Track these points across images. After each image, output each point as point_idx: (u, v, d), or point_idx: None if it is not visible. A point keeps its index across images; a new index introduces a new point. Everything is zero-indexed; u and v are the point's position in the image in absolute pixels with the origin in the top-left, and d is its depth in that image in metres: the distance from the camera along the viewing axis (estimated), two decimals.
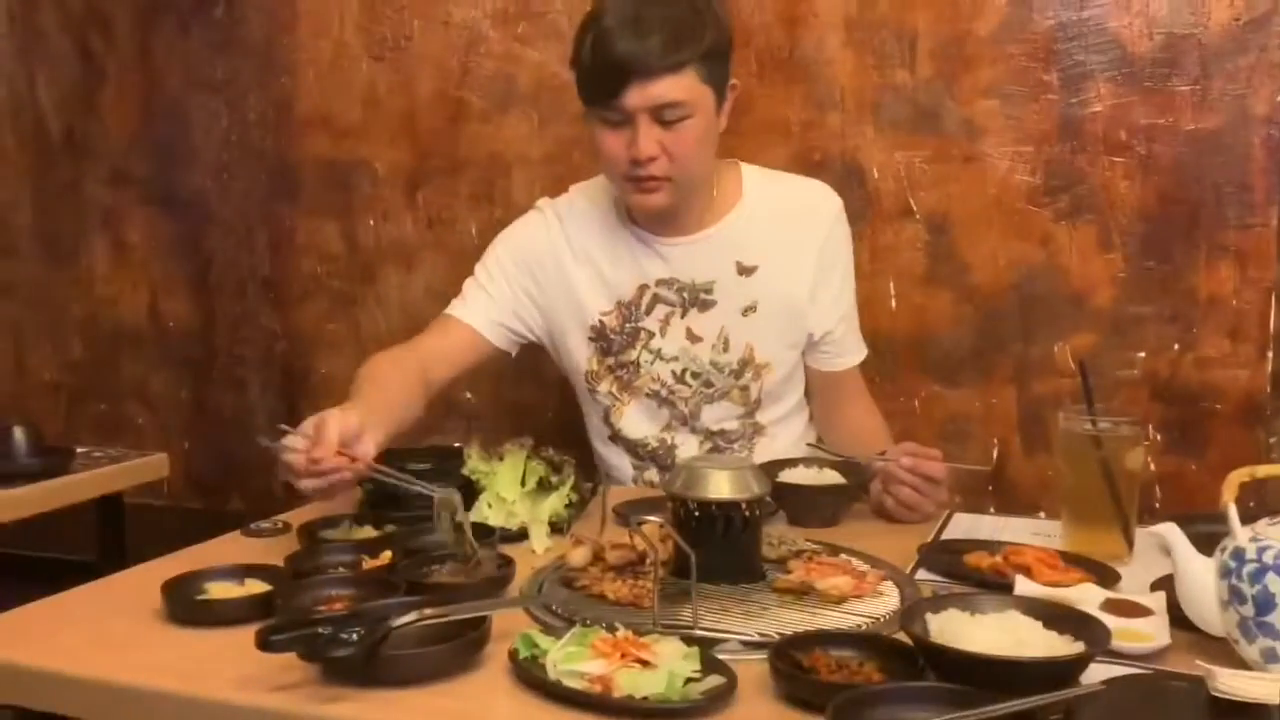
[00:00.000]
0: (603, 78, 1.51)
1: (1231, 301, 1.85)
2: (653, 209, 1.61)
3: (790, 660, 0.97)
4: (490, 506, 1.43)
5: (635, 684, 0.93)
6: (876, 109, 2.01)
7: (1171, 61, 1.84)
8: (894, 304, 2.03)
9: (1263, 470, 1.05)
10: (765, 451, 1.69)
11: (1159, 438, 1.91)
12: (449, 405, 2.40)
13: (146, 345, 2.71)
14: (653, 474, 1.73)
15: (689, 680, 0.95)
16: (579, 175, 2.20)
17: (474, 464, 1.47)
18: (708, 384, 1.68)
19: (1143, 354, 1.91)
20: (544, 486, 1.47)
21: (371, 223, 2.45)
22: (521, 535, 1.39)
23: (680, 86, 1.49)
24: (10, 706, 1.11)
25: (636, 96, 1.49)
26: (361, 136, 2.42)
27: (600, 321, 1.69)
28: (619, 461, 1.76)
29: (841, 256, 1.71)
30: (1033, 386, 1.97)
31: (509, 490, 1.44)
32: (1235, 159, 1.83)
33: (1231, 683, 0.87)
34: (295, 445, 1.30)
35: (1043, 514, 1.89)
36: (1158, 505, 1.91)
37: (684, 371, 1.69)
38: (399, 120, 2.39)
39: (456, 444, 1.57)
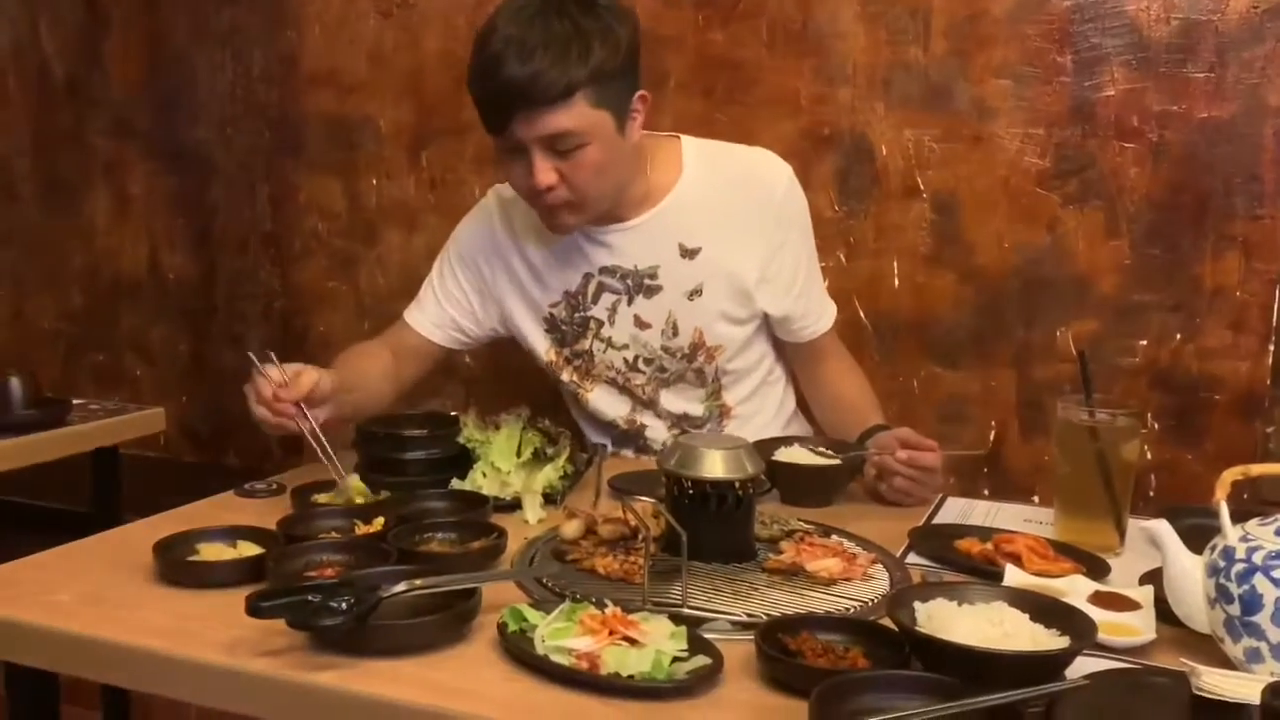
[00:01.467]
0: (490, 108, 1.45)
1: (1236, 293, 1.84)
2: (562, 232, 1.58)
3: (777, 643, 0.98)
4: (485, 476, 1.44)
5: (622, 662, 0.93)
6: (888, 85, 1.98)
7: (1187, 47, 1.82)
8: (897, 283, 2.02)
9: (1256, 469, 1.05)
10: (739, 433, 1.68)
11: (1157, 426, 1.90)
12: (448, 370, 2.40)
13: (146, 297, 2.70)
14: (629, 453, 1.74)
15: (675, 659, 0.95)
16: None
17: (470, 433, 1.48)
18: (661, 369, 1.68)
19: (1144, 342, 1.90)
20: (539, 457, 1.47)
21: (374, 181, 2.43)
22: (515, 505, 1.40)
23: (570, 116, 1.41)
24: (1, 662, 1.12)
25: (524, 129, 1.42)
26: (367, 94, 2.40)
27: (550, 313, 1.69)
28: (599, 439, 1.77)
29: (794, 229, 1.67)
30: (1033, 371, 1.97)
31: (504, 460, 1.45)
32: (1246, 149, 1.81)
33: (1214, 681, 0.87)
34: (271, 376, 1.40)
35: (1036, 499, 1.90)
36: (1152, 494, 1.91)
37: (636, 359, 1.68)
38: (405, 79, 2.36)
39: (453, 412, 1.58)
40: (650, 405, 1.71)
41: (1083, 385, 1.37)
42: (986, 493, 1.98)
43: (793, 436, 1.60)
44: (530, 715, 0.90)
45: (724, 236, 1.62)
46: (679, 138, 1.68)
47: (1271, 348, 1.84)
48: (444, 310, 1.74)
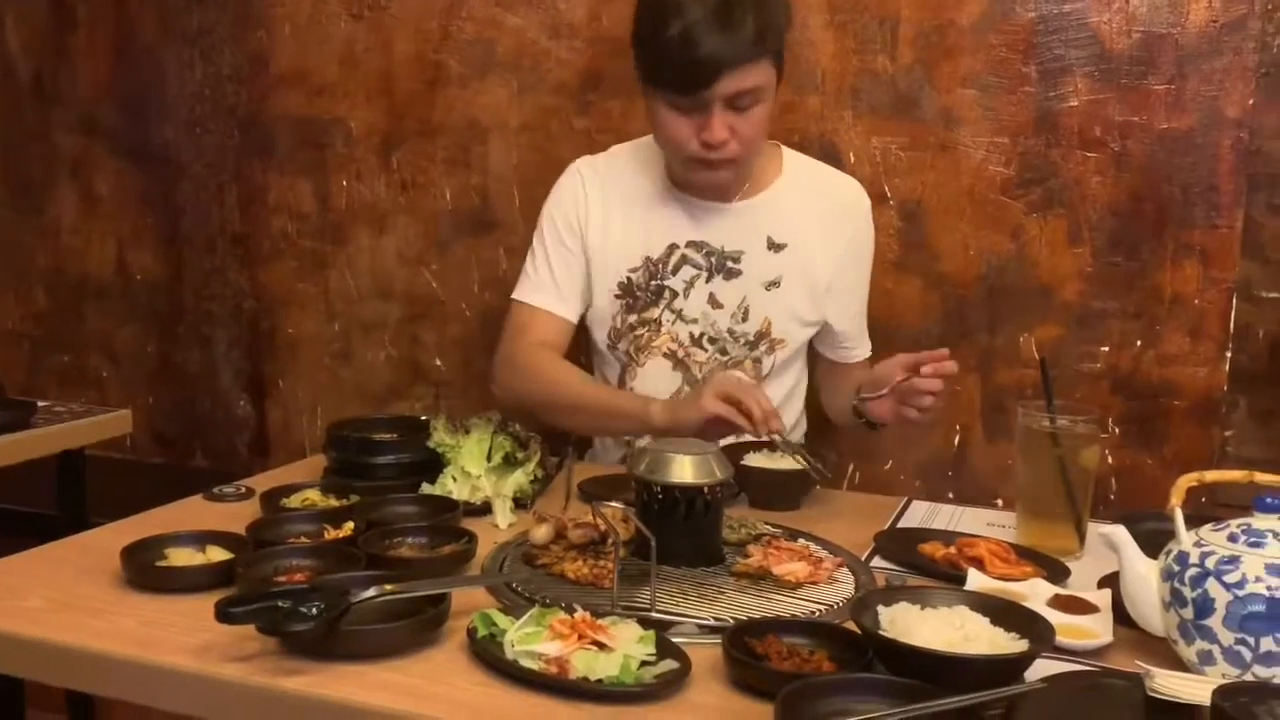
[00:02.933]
0: (690, 71, 1.51)
1: (1194, 300, 1.88)
2: (720, 185, 1.68)
3: (743, 646, 0.99)
4: (455, 480, 1.44)
5: (590, 666, 0.95)
6: (856, 93, 2.01)
7: (1148, 60, 1.85)
8: None
9: (1211, 475, 1.08)
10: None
11: (1118, 431, 1.94)
12: (417, 372, 2.40)
13: (112, 298, 2.68)
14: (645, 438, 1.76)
15: (644, 663, 0.96)
16: (557, 145, 2.21)
17: (440, 437, 1.48)
18: (723, 351, 1.73)
19: (1106, 348, 1.93)
20: (509, 462, 1.48)
21: (345, 183, 2.43)
22: (485, 509, 1.40)
23: (758, 73, 1.53)
24: None
25: (722, 87, 1.51)
26: (337, 95, 2.39)
27: (628, 278, 1.74)
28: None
29: (864, 254, 1.81)
30: (997, 375, 2.00)
31: (474, 464, 1.45)
32: (1205, 160, 1.85)
33: (1167, 683, 0.90)
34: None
35: (1000, 502, 1.93)
36: (1113, 497, 1.95)
37: (702, 335, 1.73)
38: (375, 81, 2.36)
39: (423, 416, 1.58)
40: (696, 384, 1.73)
41: (1044, 392, 1.40)
42: (951, 496, 2.01)
43: (761, 441, 1.62)
44: (499, 719, 0.91)
45: (810, 240, 1.71)
46: (779, 145, 1.79)
47: (1229, 354, 1.88)
48: (568, 285, 1.75)
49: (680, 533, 1.20)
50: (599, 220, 1.74)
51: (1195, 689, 0.89)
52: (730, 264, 1.71)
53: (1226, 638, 0.95)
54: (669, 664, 0.97)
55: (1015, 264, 1.96)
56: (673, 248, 1.72)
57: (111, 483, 2.26)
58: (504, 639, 0.99)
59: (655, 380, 1.74)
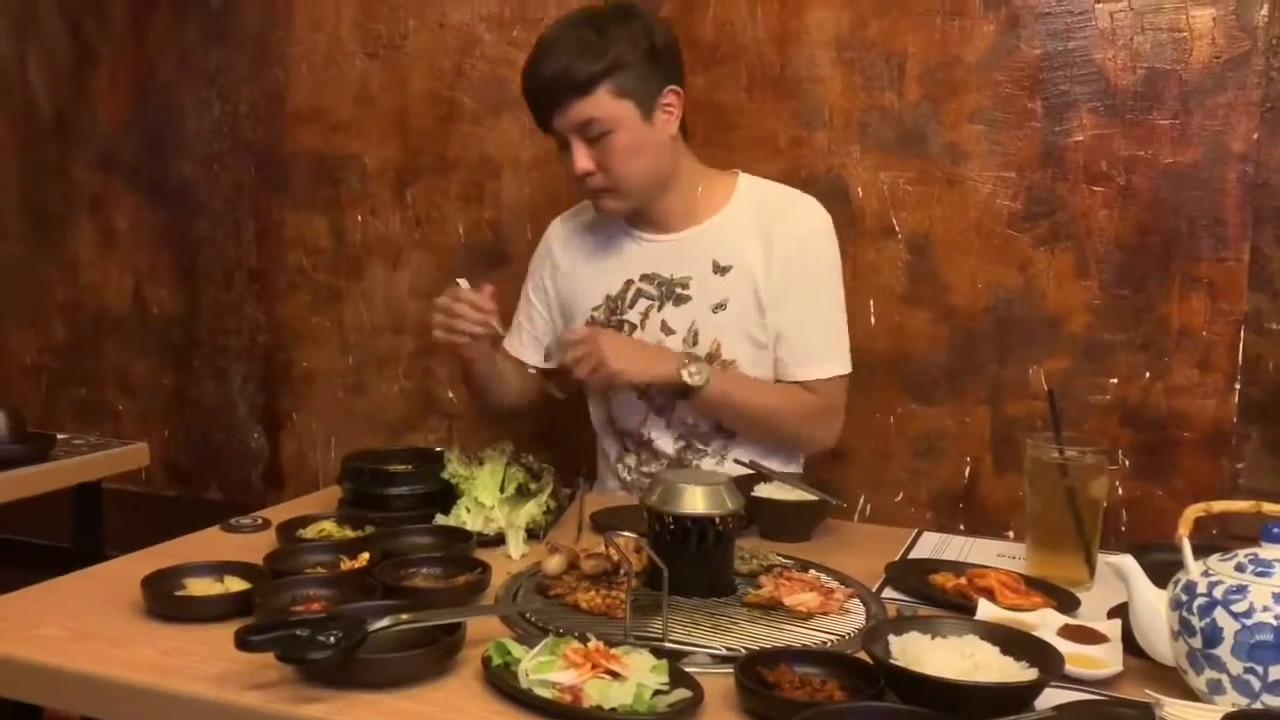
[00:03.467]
0: (532, 108, 1.69)
1: (1202, 332, 1.89)
2: (608, 215, 1.77)
3: (755, 676, 1.00)
4: (469, 511, 1.46)
5: (604, 695, 0.95)
6: (863, 129, 2.04)
7: (1153, 95, 1.88)
8: (873, 321, 2.06)
9: (1219, 505, 1.08)
10: (737, 449, 1.76)
11: (1127, 463, 1.94)
12: (429, 403, 2.43)
13: (130, 332, 2.71)
14: (632, 460, 1.82)
15: (657, 692, 0.97)
16: (568, 181, 2.23)
17: (453, 468, 1.50)
18: None
19: (1114, 380, 1.94)
20: (522, 493, 1.50)
21: (359, 218, 2.46)
22: (499, 540, 1.42)
23: (591, 106, 1.62)
24: None
25: (559, 120, 1.65)
26: (352, 132, 2.44)
27: (592, 316, 1.81)
28: (610, 449, 1.86)
29: (813, 268, 1.74)
30: (1006, 407, 2.01)
31: (488, 496, 1.47)
32: (1211, 193, 1.86)
33: (1177, 712, 0.90)
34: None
35: (1010, 534, 1.93)
36: (1123, 529, 1.95)
37: None
38: (390, 118, 2.40)
39: (437, 447, 1.60)
40: (663, 413, 1.77)
41: (1052, 423, 1.41)
42: (962, 528, 2.01)
43: (772, 471, 1.63)
44: None
45: (754, 258, 1.73)
46: (738, 174, 1.83)
47: (1238, 386, 1.89)
48: (529, 330, 1.91)
49: (692, 563, 1.21)
50: (567, 270, 1.86)
51: (1205, 718, 0.89)
52: (679, 290, 1.75)
53: (1235, 667, 0.95)
54: (682, 693, 0.97)
55: (1023, 297, 1.98)
56: (629, 283, 1.79)
57: (127, 515, 2.29)
58: (518, 668, 1.00)
59: (629, 410, 1.80)
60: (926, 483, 2.07)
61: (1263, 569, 0.98)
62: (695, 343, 1.74)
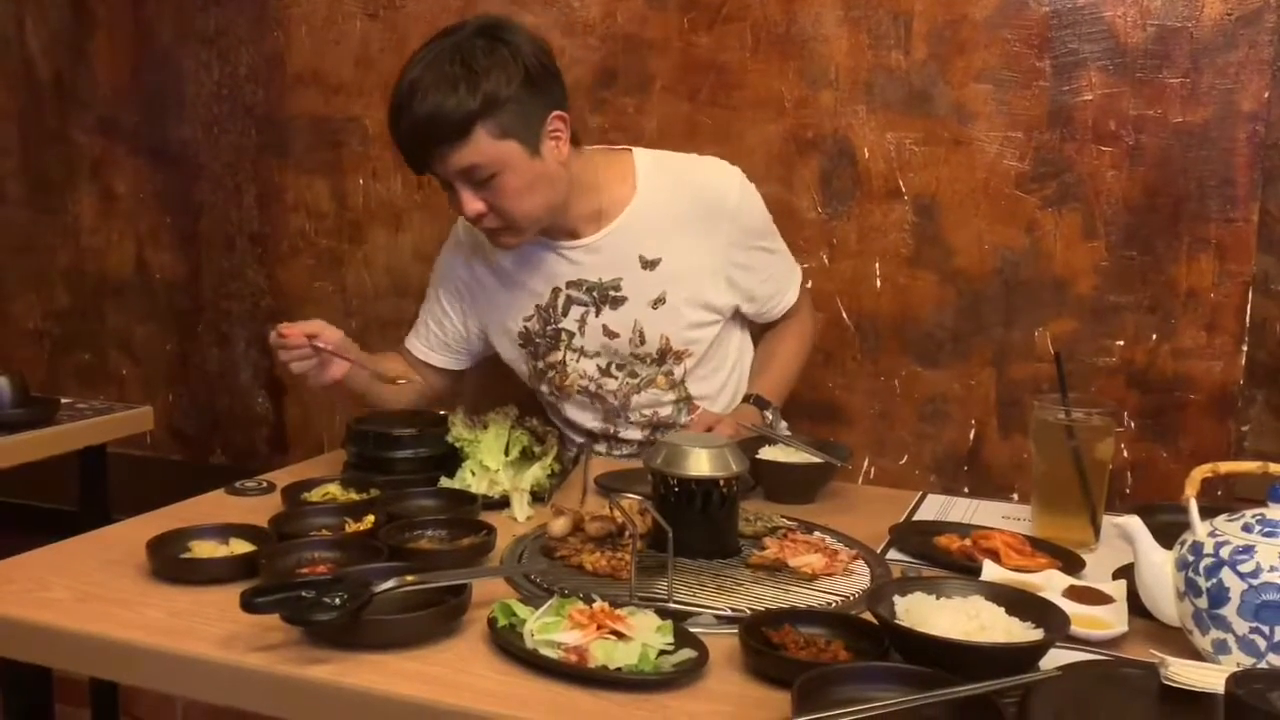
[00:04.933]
0: (405, 153, 1.54)
1: (1210, 294, 1.88)
2: (507, 249, 1.65)
3: (760, 636, 1.00)
4: (473, 474, 1.46)
5: (609, 655, 0.96)
6: (869, 89, 2.02)
7: (1163, 54, 1.85)
8: (879, 284, 2.06)
9: (1225, 466, 1.08)
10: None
11: (1133, 425, 1.94)
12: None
13: (132, 296, 2.71)
14: (602, 447, 1.79)
15: (662, 653, 0.97)
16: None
17: (458, 432, 1.50)
18: (633, 374, 1.72)
19: (1121, 342, 1.94)
20: (527, 456, 1.49)
21: (361, 181, 2.45)
22: (503, 503, 1.42)
23: (471, 151, 1.48)
24: None
25: (439, 166, 1.51)
26: (353, 94, 2.42)
27: (525, 327, 1.74)
28: (577, 438, 1.81)
29: (752, 230, 1.72)
30: (1011, 370, 2.00)
31: (492, 459, 1.47)
32: (1220, 153, 1.85)
33: (1182, 672, 0.90)
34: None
35: (1015, 496, 1.93)
36: (1129, 491, 1.95)
37: (609, 365, 1.72)
38: (392, 80, 2.34)
39: (442, 411, 1.59)
40: (620, 413, 1.75)
41: (1059, 385, 1.40)
42: (966, 490, 2.02)
43: (777, 434, 1.62)
44: (520, 707, 0.92)
45: (683, 245, 1.66)
46: (630, 151, 1.72)
47: (1244, 348, 1.88)
48: (438, 334, 1.82)
49: (697, 525, 1.21)
50: (486, 284, 1.75)
51: (1210, 678, 0.89)
52: (612, 293, 1.67)
53: (1241, 627, 0.95)
54: (687, 653, 0.98)
55: (1030, 258, 1.97)
56: (556, 291, 1.70)
57: (132, 479, 2.29)
58: (524, 628, 1.00)
59: (579, 415, 1.77)
60: (931, 445, 2.07)
61: (1270, 529, 0.97)
62: (643, 341, 1.68)
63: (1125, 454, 1.94)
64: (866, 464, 2.10)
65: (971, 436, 2.04)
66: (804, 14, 2.04)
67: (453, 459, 1.49)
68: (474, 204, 1.53)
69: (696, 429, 1.63)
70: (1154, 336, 1.92)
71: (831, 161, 2.05)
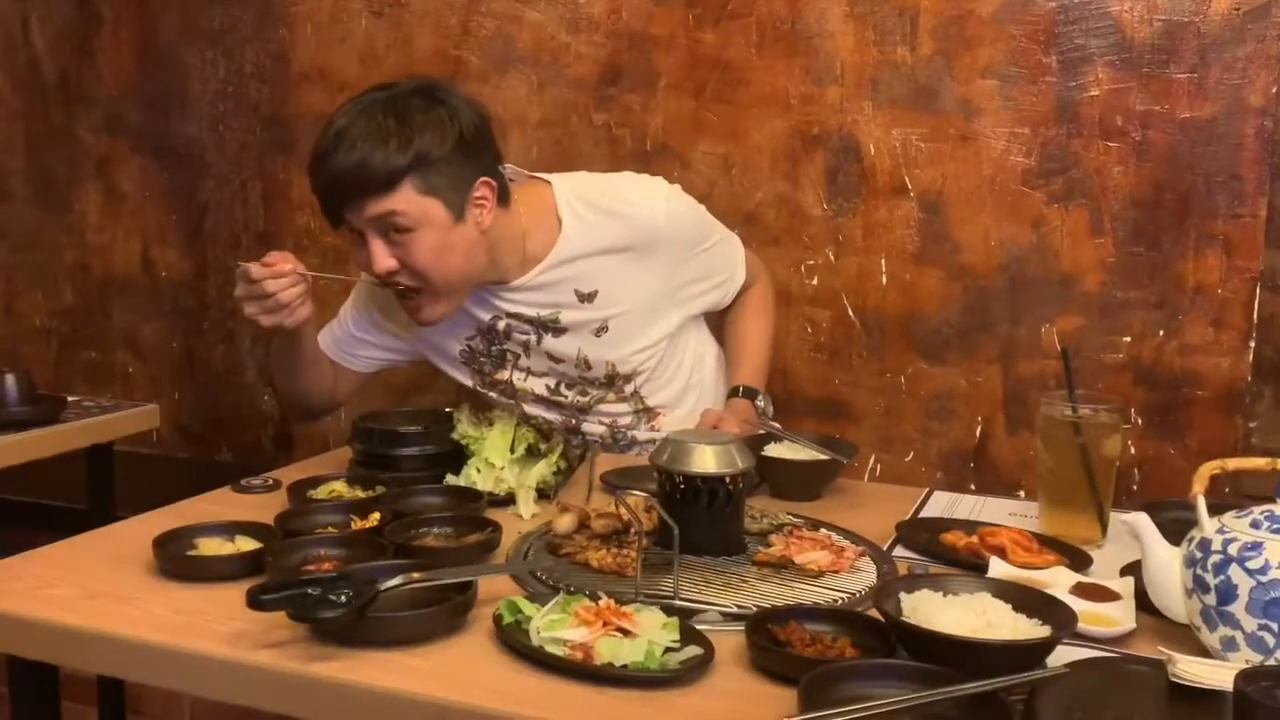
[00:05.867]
0: (323, 198, 1.49)
1: (1217, 290, 1.87)
2: (425, 324, 1.58)
3: (766, 633, 1.00)
4: (479, 471, 1.46)
5: (615, 652, 0.96)
6: (875, 85, 2.01)
7: (1170, 49, 1.85)
8: (884, 280, 2.05)
9: (1233, 463, 1.08)
10: (668, 424, 1.71)
11: (1140, 422, 1.93)
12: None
13: (138, 294, 2.71)
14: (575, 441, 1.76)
15: (668, 650, 0.97)
16: (576, 139, 2.22)
17: (464, 429, 1.50)
18: (584, 393, 1.71)
19: (1128, 338, 1.93)
20: (532, 453, 1.49)
21: None
22: (509, 500, 1.42)
23: (394, 201, 1.44)
24: (3, 655, 1.14)
25: (354, 216, 1.47)
26: (358, 92, 2.40)
27: (468, 345, 1.70)
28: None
29: (690, 240, 1.68)
30: (1018, 366, 1.99)
31: (498, 456, 1.47)
32: (1228, 149, 1.84)
33: (1190, 669, 0.90)
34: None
35: (1022, 493, 1.93)
36: (1136, 488, 1.95)
37: (558, 384, 1.71)
38: (396, 77, 2.36)
39: (447, 408, 1.59)
40: (579, 416, 1.74)
41: (1066, 381, 1.40)
42: (973, 487, 2.01)
43: (783, 431, 1.62)
44: (525, 704, 0.92)
45: (619, 274, 1.62)
46: (549, 185, 1.65)
47: (1252, 344, 1.88)
48: (358, 350, 1.76)
49: (703, 522, 1.21)
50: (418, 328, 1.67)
51: (1218, 675, 0.89)
52: (552, 324, 1.64)
53: (1249, 624, 0.95)
54: (693, 650, 0.97)
55: (1037, 255, 1.96)
56: (497, 317, 1.66)
57: (138, 477, 2.30)
58: (529, 626, 1.00)
59: (538, 411, 1.72)
60: (937, 442, 2.06)
61: (1278, 526, 0.97)
62: (589, 367, 1.66)
63: (1132, 450, 1.93)
64: (872, 461, 2.10)
65: (978, 433, 2.04)
66: (809, 10, 2.03)
67: (458, 456, 1.49)
68: (386, 259, 1.47)
69: (702, 429, 1.62)
70: (1161, 333, 1.91)
71: (837, 158, 2.05)
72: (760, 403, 1.70)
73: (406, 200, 1.45)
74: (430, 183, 1.46)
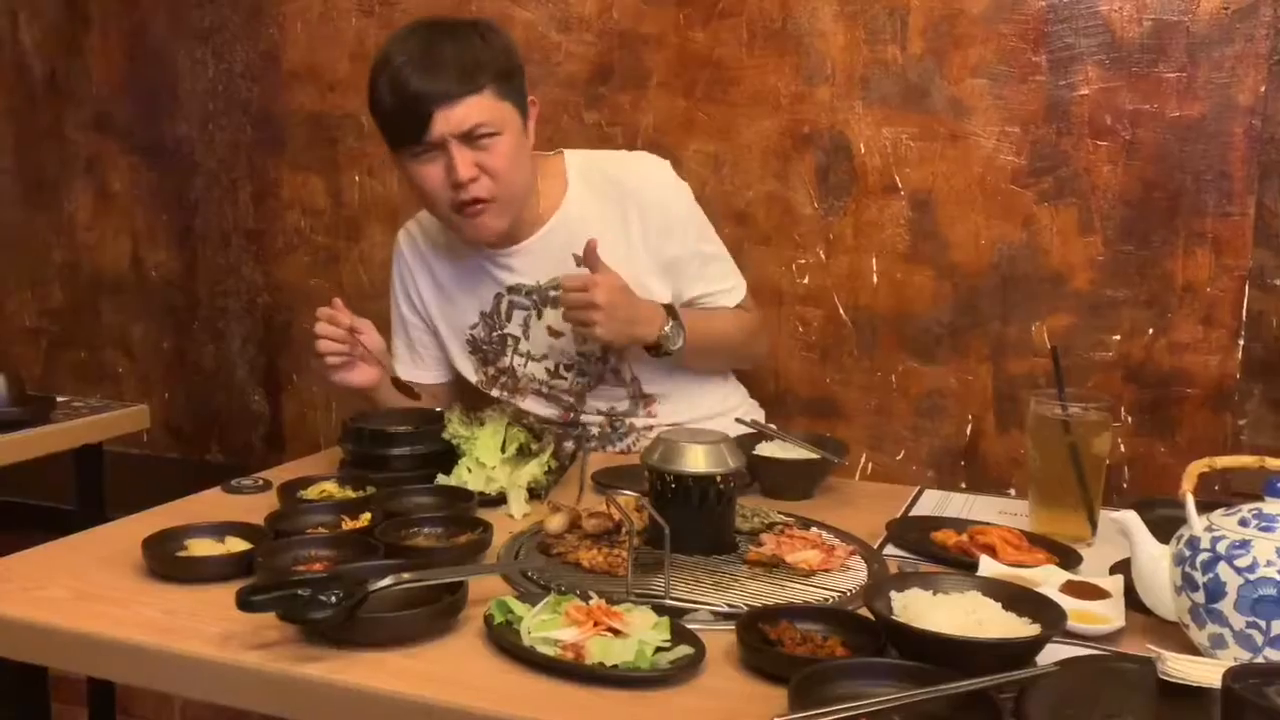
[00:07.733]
0: (407, 114, 1.53)
1: (1206, 288, 1.88)
2: (484, 235, 1.64)
3: (757, 632, 1.00)
4: (470, 471, 1.46)
5: (606, 652, 0.96)
6: (866, 84, 2.01)
7: (1159, 48, 1.85)
8: (875, 279, 2.05)
9: (1222, 461, 1.08)
10: (665, 417, 1.74)
11: (1130, 420, 1.94)
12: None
13: (128, 294, 2.70)
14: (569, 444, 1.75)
15: (659, 649, 0.97)
16: (567, 138, 2.21)
17: (455, 429, 1.49)
18: (582, 372, 1.73)
19: (1118, 337, 1.93)
20: (524, 453, 1.49)
21: (357, 178, 2.44)
22: (500, 500, 1.41)
23: (482, 107, 1.53)
24: None
25: (442, 124, 1.52)
26: (349, 91, 2.40)
27: (471, 335, 1.76)
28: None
29: (677, 220, 1.72)
30: (1008, 365, 2.00)
31: (489, 456, 1.46)
32: (1217, 147, 1.84)
33: (1179, 666, 0.90)
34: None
35: (1012, 491, 1.93)
36: (1126, 486, 1.95)
37: (558, 366, 1.74)
38: None
39: (438, 408, 1.59)
40: (577, 407, 1.76)
41: (1055, 379, 1.40)
42: (963, 485, 2.01)
43: (773, 431, 1.62)
44: (517, 705, 0.92)
45: (615, 242, 1.64)
46: (561, 153, 1.76)
47: (1241, 342, 1.88)
48: (420, 351, 1.83)
49: (694, 521, 1.21)
50: (429, 284, 1.78)
51: (1207, 672, 0.89)
52: (552, 293, 1.66)
53: (1238, 621, 0.95)
54: (684, 650, 0.98)
55: (1027, 253, 1.96)
56: (499, 296, 1.73)
57: (129, 478, 2.29)
58: (520, 626, 1.00)
59: (536, 407, 1.75)
60: (928, 440, 2.07)
61: (1266, 524, 0.97)
62: (585, 339, 1.67)
63: (1122, 448, 1.94)
64: (863, 459, 2.10)
65: (968, 432, 2.04)
66: (800, 9, 2.03)
67: (449, 456, 1.49)
68: (469, 167, 1.54)
69: (573, 283, 1.55)
70: (1151, 331, 1.91)
71: (828, 157, 2.05)
72: (668, 328, 1.61)
73: (492, 106, 1.54)
74: (505, 90, 1.56)
